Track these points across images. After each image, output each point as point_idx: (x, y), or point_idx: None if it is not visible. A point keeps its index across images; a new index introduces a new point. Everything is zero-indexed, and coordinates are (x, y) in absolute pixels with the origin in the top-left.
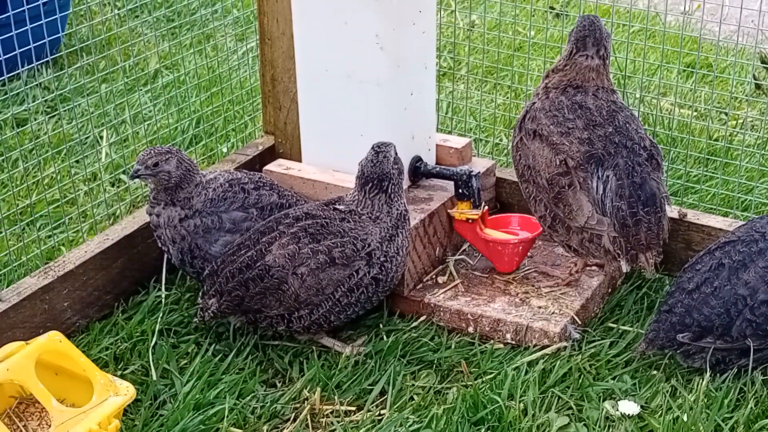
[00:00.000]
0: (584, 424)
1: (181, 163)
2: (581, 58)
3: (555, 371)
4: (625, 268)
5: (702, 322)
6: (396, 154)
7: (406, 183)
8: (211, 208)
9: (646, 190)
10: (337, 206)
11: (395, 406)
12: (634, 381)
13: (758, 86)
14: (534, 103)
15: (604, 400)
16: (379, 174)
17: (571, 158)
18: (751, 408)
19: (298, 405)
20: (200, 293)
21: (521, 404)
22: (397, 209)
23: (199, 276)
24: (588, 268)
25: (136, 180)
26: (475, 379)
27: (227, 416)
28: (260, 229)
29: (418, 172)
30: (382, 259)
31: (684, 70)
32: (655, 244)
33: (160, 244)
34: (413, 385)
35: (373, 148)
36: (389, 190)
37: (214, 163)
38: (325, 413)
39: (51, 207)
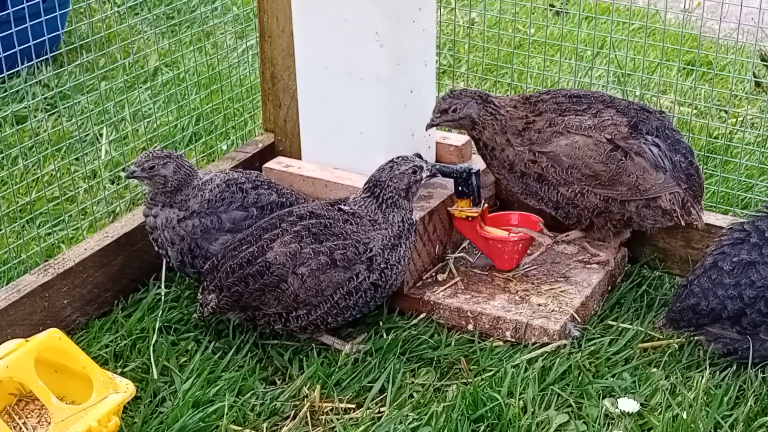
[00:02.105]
0: (584, 422)
1: (179, 169)
2: (495, 99)
3: (555, 369)
4: (683, 222)
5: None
6: (413, 173)
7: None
8: (209, 209)
9: (684, 143)
10: (342, 207)
11: (395, 404)
12: (633, 378)
13: (758, 84)
14: (528, 136)
15: (603, 398)
16: (376, 178)
17: (620, 127)
18: (751, 406)
19: (297, 402)
20: (200, 289)
21: (521, 402)
22: (395, 220)
23: (200, 276)
24: (588, 265)
25: (134, 180)
26: (475, 377)
27: (227, 413)
28: (263, 225)
29: None
30: (382, 265)
31: (684, 68)
32: (702, 194)
33: (156, 248)
34: (413, 382)
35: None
36: (380, 198)
37: (214, 160)
38: (325, 411)
39: (51, 204)
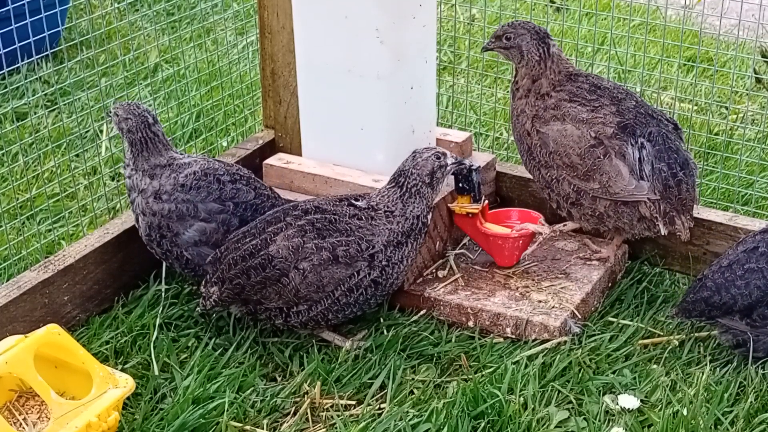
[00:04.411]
0: (584, 418)
1: (134, 132)
2: (555, 50)
3: (555, 365)
4: (663, 231)
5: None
6: (436, 159)
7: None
8: (186, 196)
9: (681, 155)
10: (355, 201)
11: (395, 400)
12: (633, 375)
13: (758, 80)
14: (540, 106)
15: (604, 394)
16: (400, 169)
17: (607, 127)
18: (751, 402)
19: (298, 399)
20: (203, 281)
21: (521, 398)
22: (413, 213)
23: (166, 257)
24: (589, 262)
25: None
26: (475, 373)
27: (227, 410)
28: (267, 218)
29: None
30: (384, 263)
31: (684, 64)
32: (690, 207)
33: (132, 209)
34: (413, 379)
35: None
36: (404, 187)
37: (214, 157)
38: (325, 407)
39: (51, 201)
